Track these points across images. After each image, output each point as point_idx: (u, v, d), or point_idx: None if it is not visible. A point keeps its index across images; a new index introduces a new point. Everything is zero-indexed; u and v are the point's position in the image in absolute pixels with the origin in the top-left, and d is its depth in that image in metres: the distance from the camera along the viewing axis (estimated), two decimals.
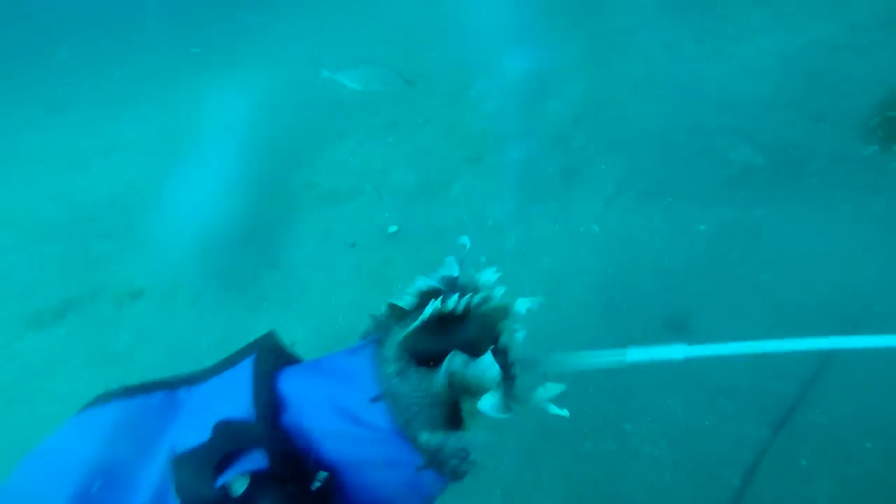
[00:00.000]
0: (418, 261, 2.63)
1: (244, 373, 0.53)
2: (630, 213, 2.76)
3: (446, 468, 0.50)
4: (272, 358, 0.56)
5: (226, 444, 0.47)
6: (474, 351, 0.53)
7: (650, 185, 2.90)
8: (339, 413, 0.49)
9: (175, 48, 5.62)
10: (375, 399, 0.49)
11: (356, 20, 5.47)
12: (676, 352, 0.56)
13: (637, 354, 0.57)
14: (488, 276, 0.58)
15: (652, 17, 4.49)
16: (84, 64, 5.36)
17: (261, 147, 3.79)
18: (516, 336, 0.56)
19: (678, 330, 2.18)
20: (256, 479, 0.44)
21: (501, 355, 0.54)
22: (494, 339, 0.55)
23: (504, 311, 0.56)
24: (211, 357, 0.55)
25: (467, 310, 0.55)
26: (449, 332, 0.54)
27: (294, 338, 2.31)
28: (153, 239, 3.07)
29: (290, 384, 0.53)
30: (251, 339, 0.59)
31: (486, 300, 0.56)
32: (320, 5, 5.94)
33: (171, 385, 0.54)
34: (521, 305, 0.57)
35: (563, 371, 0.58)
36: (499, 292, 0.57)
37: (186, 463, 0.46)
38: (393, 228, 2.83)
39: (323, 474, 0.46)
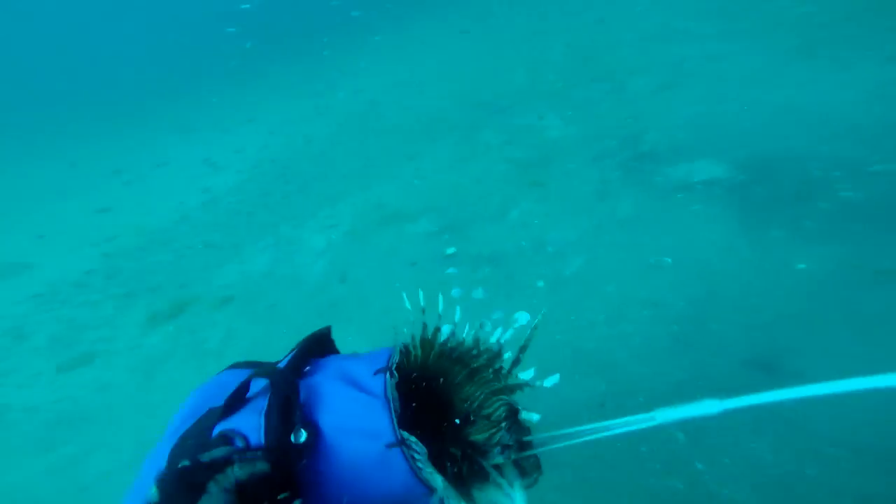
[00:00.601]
0: (473, 282, 2.65)
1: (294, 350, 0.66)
2: (711, 246, 2.50)
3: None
4: (320, 339, 0.71)
5: (241, 391, 0.57)
6: (475, 413, 0.60)
7: (737, 217, 2.60)
8: (345, 377, 0.58)
9: (255, 86, 6.64)
10: (379, 371, 0.56)
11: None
12: (708, 407, 0.50)
13: (668, 415, 0.52)
14: (497, 337, 0.63)
15: (742, 42, 4.09)
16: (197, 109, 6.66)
17: (332, 172, 4.16)
18: (532, 418, 0.60)
19: (765, 370, 1.91)
20: (237, 455, 0.51)
21: (514, 431, 0.60)
22: (500, 414, 0.61)
23: (517, 387, 0.61)
24: None
25: (475, 369, 0.62)
26: (460, 382, 0.62)
27: (354, 349, 2.46)
28: (243, 250, 3.50)
29: (328, 359, 0.65)
30: None
31: (495, 360, 0.62)
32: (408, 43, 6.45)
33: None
34: (524, 377, 0.62)
35: (570, 444, 0.60)
36: (504, 353, 0.63)
37: (210, 413, 0.57)
38: (451, 250, 2.90)
39: (304, 433, 0.52)
